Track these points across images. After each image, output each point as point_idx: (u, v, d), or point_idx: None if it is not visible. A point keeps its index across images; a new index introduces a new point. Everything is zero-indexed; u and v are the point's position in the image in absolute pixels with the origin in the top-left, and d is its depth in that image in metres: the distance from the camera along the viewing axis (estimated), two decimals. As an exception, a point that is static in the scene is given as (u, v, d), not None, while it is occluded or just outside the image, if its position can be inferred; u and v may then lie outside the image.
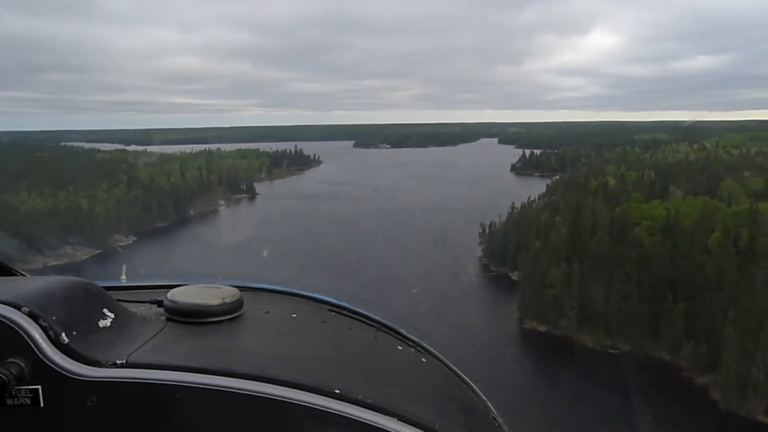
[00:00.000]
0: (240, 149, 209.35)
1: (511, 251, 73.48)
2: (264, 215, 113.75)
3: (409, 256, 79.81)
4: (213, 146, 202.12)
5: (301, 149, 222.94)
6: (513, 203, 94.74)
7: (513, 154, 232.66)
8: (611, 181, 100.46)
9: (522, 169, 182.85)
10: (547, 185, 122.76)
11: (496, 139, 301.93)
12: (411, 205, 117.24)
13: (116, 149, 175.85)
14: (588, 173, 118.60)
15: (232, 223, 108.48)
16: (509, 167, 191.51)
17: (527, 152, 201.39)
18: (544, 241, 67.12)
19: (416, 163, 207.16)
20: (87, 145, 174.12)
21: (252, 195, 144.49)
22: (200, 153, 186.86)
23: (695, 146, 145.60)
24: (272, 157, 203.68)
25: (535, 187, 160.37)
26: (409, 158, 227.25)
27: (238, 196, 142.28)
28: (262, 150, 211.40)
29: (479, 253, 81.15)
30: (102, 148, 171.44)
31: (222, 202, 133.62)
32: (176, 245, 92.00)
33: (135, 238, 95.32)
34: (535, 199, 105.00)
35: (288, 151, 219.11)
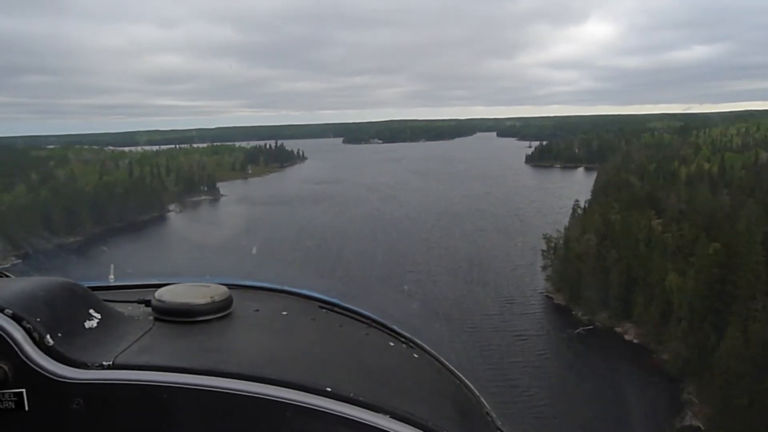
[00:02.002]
0: (213, 145, 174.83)
1: (614, 287, 39.88)
2: (221, 226, 79.61)
3: (429, 292, 46.50)
4: (185, 144, 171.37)
5: (282, 144, 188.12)
6: (576, 201, 61.48)
7: (518, 146, 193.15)
8: (708, 167, 67.47)
9: (539, 160, 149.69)
10: (600, 177, 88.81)
11: (493, 133, 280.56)
12: (418, 209, 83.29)
13: (59, 147, 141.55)
14: (652, 159, 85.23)
15: (173, 239, 74.21)
16: (522, 159, 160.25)
17: (537, 143, 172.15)
18: (698, 269, 33.58)
19: (414, 157, 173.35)
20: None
21: (215, 197, 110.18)
22: (168, 151, 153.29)
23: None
24: (249, 152, 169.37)
25: (568, 180, 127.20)
26: (404, 153, 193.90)
27: (196, 198, 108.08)
28: (238, 146, 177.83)
29: (545, 285, 47.82)
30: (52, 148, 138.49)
31: (173, 206, 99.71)
32: (76, 273, 56.95)
33: (19, 261, 61.92)
34: (592, 196, 72.02)
35: (267, 146, 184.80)
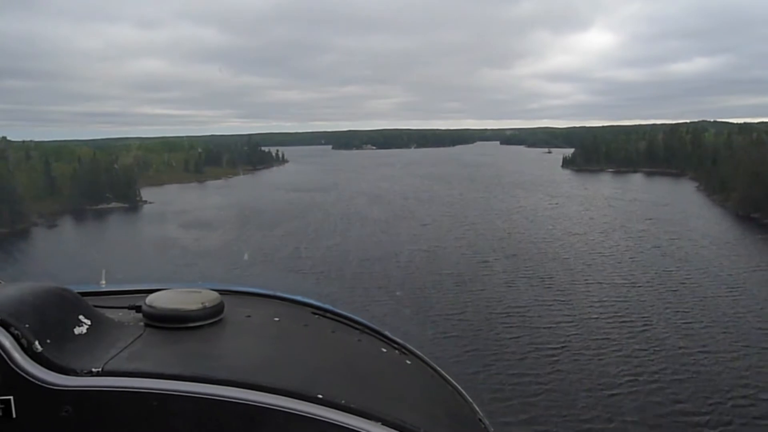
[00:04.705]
0: (168, 140, 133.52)
1: None
2: (76, 261, 38.75)
3: None
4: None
5: (256, 143, 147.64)
6: None
7: (533, 152, 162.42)
8: None
9: (584, 164, 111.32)
10: None
11: (496, 141, 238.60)
12: (467, 235, 43.08)
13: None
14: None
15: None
16: (552, 164, 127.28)
17: (555, 149, 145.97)
18: None
19: (418, 162, 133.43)
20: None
21: (131, 206, 69.00)
22: (108, 146, 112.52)
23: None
24: (211, 151, 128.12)
25: (645, 188, 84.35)
26: (406, 157, 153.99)
27: (103, 206, 67.12)
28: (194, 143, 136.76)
29: None
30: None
31: (43, 219, 58.69)
32: None
33: None
34: None
35: (239, 146, 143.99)
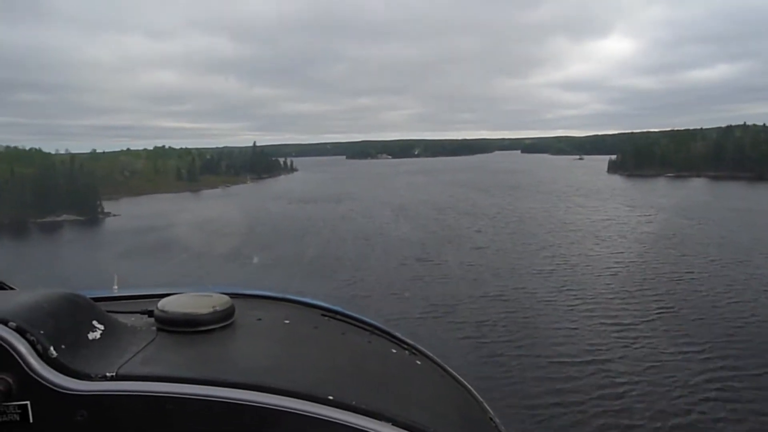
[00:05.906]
0: (163, 147, 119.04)
1: None
2: None
3: None
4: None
5: (261, 150, 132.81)
6: None
7: (562, 159, 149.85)
8: None
9: (635, 169, 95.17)
10: None
11: (517, 150, 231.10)
12: (553, 268, 26.63)
13: None
14: None
15: None
16: (589, 170, 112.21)
17: (587, 156, 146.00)
18: None
19: (443, 170, 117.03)
20: None
21: (90, 218, 51.74)
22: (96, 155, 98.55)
23: None
24: (209, 159, 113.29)
25: (746, 196, 64.68)
26: (427, 166, 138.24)
27: (50, 218, 50.95)
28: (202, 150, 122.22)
29: None
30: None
31: None
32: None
33: None
34: None
35: (243, 153, 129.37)
